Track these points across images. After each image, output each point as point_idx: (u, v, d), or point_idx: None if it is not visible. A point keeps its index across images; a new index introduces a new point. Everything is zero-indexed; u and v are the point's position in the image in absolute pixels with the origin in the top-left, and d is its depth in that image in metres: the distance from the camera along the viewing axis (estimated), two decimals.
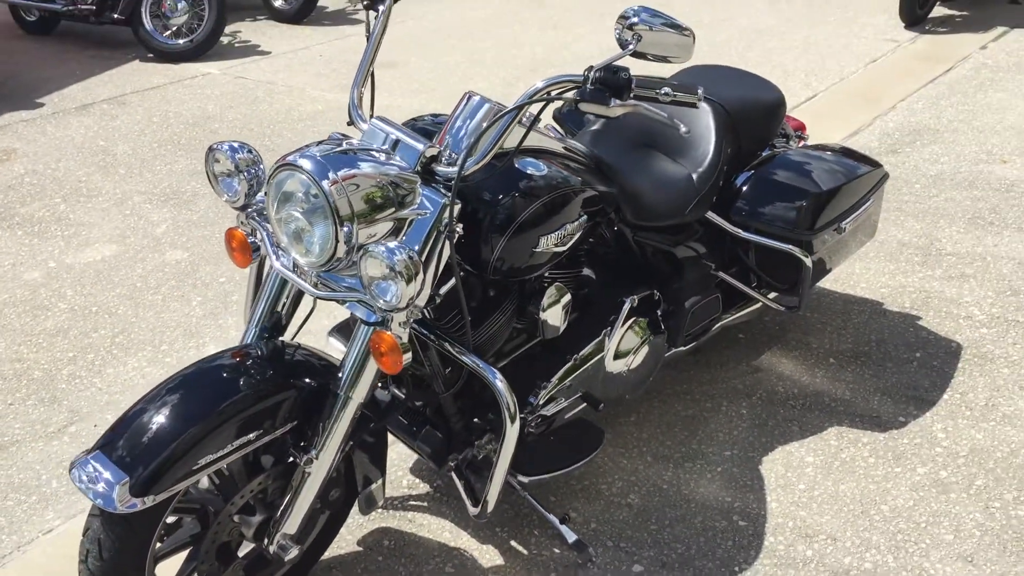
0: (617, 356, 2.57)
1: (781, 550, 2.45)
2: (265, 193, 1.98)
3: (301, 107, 5.91)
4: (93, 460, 1.84)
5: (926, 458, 2.74)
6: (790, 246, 2.74)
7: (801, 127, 3.25)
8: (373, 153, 1.97)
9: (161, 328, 3.54)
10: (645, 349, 2.64)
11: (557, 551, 2.47)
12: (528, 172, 2.18)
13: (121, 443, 1.85)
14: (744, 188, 2.78)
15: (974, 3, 7.60)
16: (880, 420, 2.90)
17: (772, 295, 3.00)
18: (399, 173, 1.95)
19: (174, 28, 6.95)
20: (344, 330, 2.66)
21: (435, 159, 2.02)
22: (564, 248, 2.24)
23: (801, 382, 3.09)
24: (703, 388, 3.08)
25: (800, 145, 3.15)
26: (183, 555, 2.11)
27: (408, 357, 1.92)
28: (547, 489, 2.65)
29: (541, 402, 2.42)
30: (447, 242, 1.97)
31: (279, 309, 2.17)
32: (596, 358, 2.53)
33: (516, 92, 6.01)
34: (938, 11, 7.34)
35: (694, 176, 2.67)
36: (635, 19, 1.90)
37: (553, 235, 2.19)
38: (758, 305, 3.04)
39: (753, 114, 2.82)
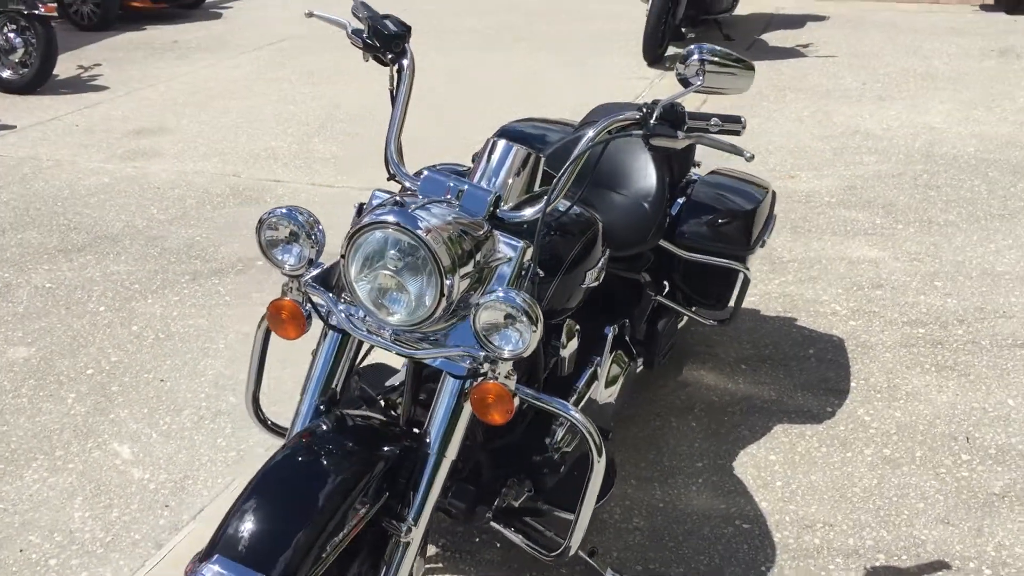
0: (607, 384, 2.64)
1: (791, 543, 2.62)
2: (342, 256, 1.87)
3: (84, 181, 5.43)
4: (216, 566, 1.64)
5: (867, 440, 3.03)
6: (733, 262, 2.95)
7: None
8: (446, 204, 1.93)
9: (44, 434, 3.14)
10: (624, 376, 2.72)
11: None
12: (561, 211, 2.21)
13: (241, 545, 1.67)
14: (684, 214, 2.95)
15: (696, 41, 8.40)
16: (812, 413, 3.17)
17: (693, 310, 3.19)
18: (476, 220, 1.92)
19: None
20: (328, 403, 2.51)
21: (496, 205, 2.00)
22: (598, 283, 2.29)
23: (729, 390, 3.31)
24: (646, 408, 3.21)
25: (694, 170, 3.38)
26: None
27: (517, 402, 1.88)
28: (552, 527, 2.64)
29: (559, 438, 2.44)
30: (530, 284, 1.96)
31: (334, 384, 2.04)
32: (591, 389, 2.58)
33: (311, 148, 5.91)
34: (671, 50, 8.06)
35: (646, 206, 2.80)
36: (696, 57, 2.00)
37: (593, 270, 2.24)
38: (684, 322, 3.23)
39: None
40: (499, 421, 1.88)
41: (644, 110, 2.01)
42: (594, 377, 2.59)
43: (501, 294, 1.79)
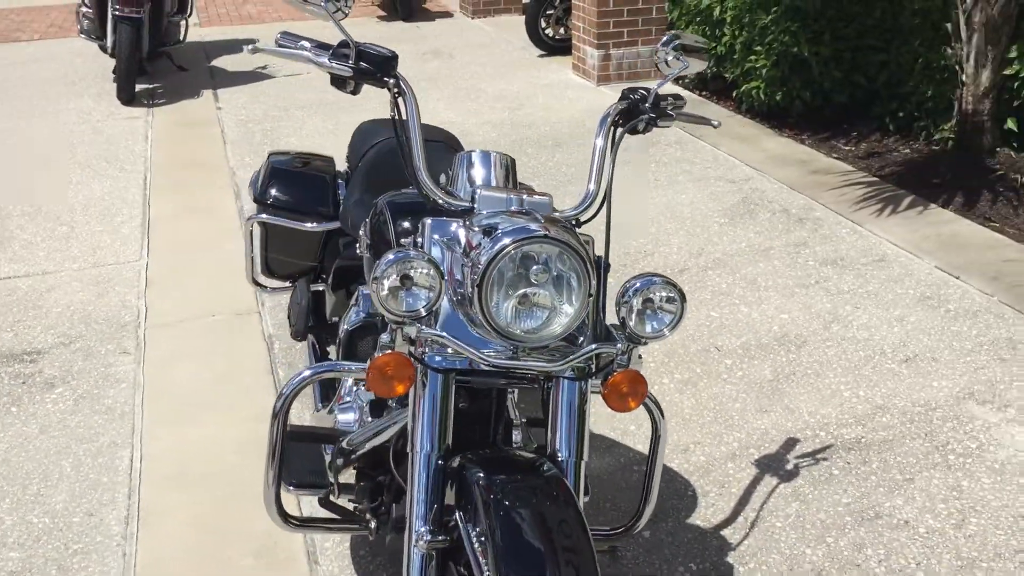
0: None
1: (688, 467, 2.98)
2: (476, 286, 1.75)
3: None
4: None
5: (657, 371, 3.49)
6: None
7: None
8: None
9: None
10: None
11: None
12: None
13: None
14: None
15: (155, 75, 7.96)
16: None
17: None
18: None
19: None
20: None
21: None
22: None
23: None
24: None
25: None
26: None
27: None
28: None
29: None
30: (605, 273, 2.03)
31: (446, 434, 1.87)
32: None
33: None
34: (138, 86, 7.58)
35: None
36: (674, 43, 2.18)
37: None
38: None
39: (457, 145, 3.12)
40: (635, 406, 1.95)
41: (631, 97, 2.17)
42: None
43: (637, 282, 1.87)
